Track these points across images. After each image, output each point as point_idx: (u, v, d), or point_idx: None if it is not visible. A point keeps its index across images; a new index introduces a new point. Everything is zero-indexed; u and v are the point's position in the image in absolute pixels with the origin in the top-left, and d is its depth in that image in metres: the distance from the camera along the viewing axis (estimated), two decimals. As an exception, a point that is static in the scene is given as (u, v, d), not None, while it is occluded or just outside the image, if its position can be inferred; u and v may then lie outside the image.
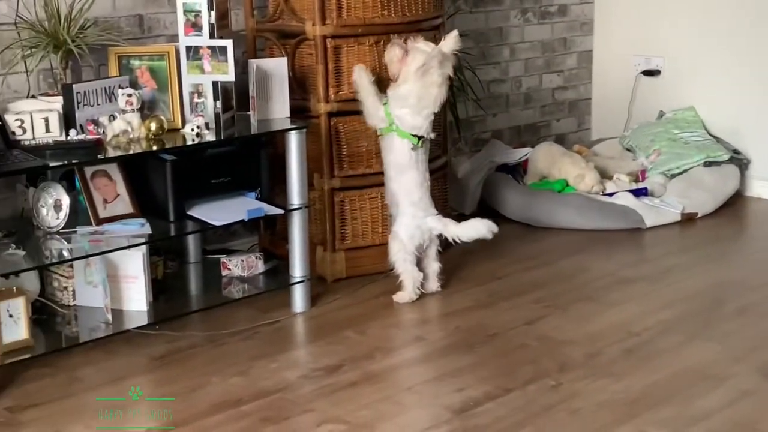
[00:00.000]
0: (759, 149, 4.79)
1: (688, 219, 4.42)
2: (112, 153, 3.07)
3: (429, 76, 3.35)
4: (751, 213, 4.67)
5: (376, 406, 2.76)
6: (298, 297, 3.47)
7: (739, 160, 4.77)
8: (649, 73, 5.20)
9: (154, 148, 3.12)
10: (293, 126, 3.40)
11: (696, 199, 4.48)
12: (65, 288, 3.23)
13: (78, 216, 3.18)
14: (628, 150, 5.00)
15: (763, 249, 4.21)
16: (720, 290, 3.64)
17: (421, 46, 3.39)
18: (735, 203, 4.66)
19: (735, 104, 4.88)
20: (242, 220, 3.31)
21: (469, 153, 4.89)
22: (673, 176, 4.66)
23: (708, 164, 4.66)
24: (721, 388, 2.81)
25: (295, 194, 3.40)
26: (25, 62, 3.26)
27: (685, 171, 4.65)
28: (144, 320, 3.17)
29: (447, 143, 4.11)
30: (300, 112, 3.60)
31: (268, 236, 3.95)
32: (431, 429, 2.63)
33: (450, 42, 3.41)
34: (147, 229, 3.16)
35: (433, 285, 3.59)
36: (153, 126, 3.14)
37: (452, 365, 3.02)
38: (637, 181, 4.67)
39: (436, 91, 3.38)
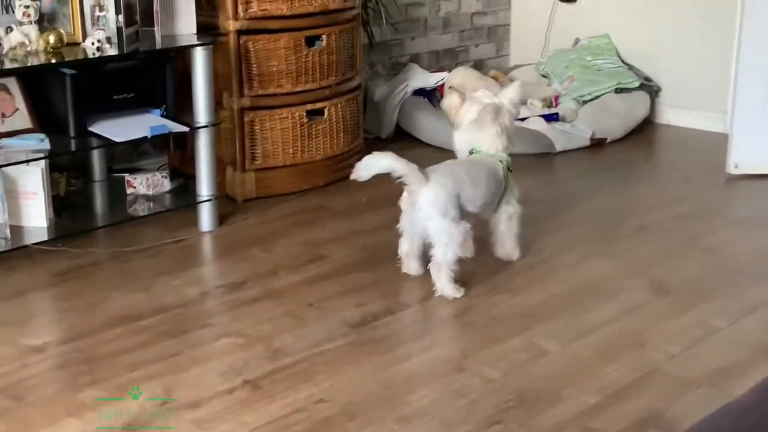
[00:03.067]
0: (670, 77, 4.87)
1: (597, 144, 4.49)
2: (8, 65, 2.99)
3: (484, 127, 3.12)
4: (660, 139, 4.77)
5: (276, 320, 2.79)
6: (205, 216, 3.46)
7: (650, 87, 4.85)
8: (566, -1, 5.24)
9: (53, 61, 3.06)
10: (199, 42, 3.35)
11: (606, 125, 4.55)
12: (-36, 204, 3.18)
13: (-24, 131, 3.13)
14: (544, 76, 5.05)
15: (667, 171, 4.30)
16: (621, 211, 3.72)
17: (478, 97, 3.16)
18: (645, 129, 4.75)
19: (648, 32, 4.94)
20: (147, 138, 3.27)
21: (386, 76, 4.88)
22: (585, 102, 4.71)
23: (619, 91, 4.72)
24: (612, 303, 2.89)
25: (202, 112, 3.37)
26: None
27: (597, 97, 4.71)
28: (44, 236, 3.14)
29: (359, 64, 4.10)
30: (208, 30, 3.55)
31: (179, 156, 3.92)
32: (328, 341, 2.66)
33: (510, 93, 3.17)
34: (46, 144, 3.11)
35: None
36: (51, 39, 3.07)
37: (354, 282, 3.05)
38: (550, 106, 4.72)
39: (493, 139, 3.12)
